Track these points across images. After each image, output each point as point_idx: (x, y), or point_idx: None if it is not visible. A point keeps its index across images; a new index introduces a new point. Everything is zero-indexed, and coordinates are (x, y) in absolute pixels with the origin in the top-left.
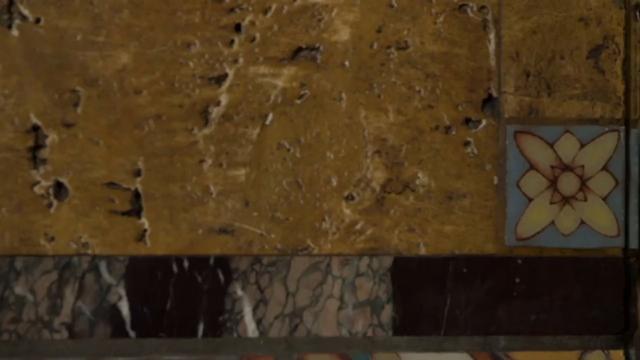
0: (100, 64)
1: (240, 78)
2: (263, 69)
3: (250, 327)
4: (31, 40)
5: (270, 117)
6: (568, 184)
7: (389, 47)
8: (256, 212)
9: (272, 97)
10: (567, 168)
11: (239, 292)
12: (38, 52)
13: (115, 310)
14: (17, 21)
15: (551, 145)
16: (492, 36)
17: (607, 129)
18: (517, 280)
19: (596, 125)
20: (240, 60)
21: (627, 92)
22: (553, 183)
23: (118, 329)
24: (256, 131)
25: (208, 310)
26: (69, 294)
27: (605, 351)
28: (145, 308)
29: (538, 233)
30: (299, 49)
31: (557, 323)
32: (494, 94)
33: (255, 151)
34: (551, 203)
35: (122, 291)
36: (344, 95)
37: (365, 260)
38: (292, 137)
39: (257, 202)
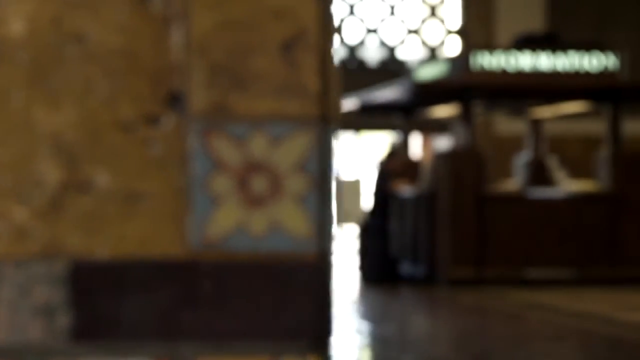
0: None
1: None
2: None
3: None
4: None
5: None
6: (259, 184)
7: (67, 40)
8: None
9: None
10: (258, 167)
11: None
12: None
13: None
14: None
15: (241, 143)
16: (178, 30)
17: (301, 126)
18: (204, 284)
19: (290, 123)
20: None
21: (324, 88)
22: (243, 183)
23: None
24: None
25: None
26: None
27: (299, 356)
28: None
29: (227, 236)
30: None
31: (248, 328)
32: (181, 90)
33: None
34: (241, 205)
35: None
36: (17, 91)
37: (39, 264)
38: None
39: None
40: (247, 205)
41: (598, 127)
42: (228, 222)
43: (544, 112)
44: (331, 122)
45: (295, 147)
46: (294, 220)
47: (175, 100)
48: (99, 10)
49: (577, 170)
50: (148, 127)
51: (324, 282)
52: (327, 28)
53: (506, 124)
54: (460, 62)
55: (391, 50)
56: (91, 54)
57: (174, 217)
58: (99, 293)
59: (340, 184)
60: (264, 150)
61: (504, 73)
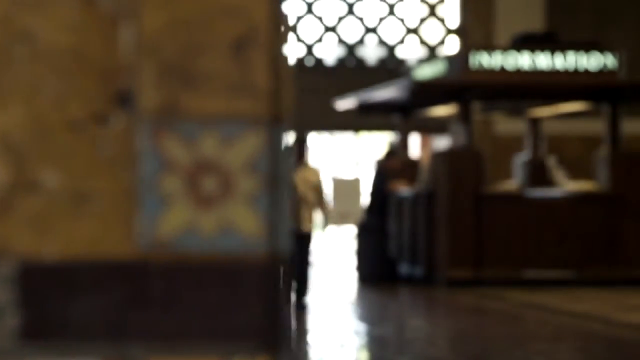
0: None
1: None
2: None
3: None
4: None
5: None
6: (210, 184)
7: (15, 40)
8: None
9: None
10: (209, 167)
11: None
12: None
13: None
14: None
15: (192, 143)
16: (128, 29)
17: (252, 125)
18: (154, 285)
19: (241, 122)
20: None
21: (275, 87)
22: (193, 183)
23: None
24: None
25: None
26: None
27: (250, 356)
28: None
29: (177, 236)
30: None
31: (198, 328)
32: (130, 90)
33: None
34: (191, 205)
35: None
36: None
37: None
38: None
39: None
40: (197, 205)
41: (597, 126)
42: (178, 222)
43: (543, 111)
44: (283, 121)
45: (246, 146)
46: (244, 221)
47: (124, 100)
48: (48, 10)
49: (577, 170)
50: (97, 126)
51: (275, 283)
52: (279, 27)
53: (507, 124)
54: (458, 61)
55: (390, 49)
56: (40, 53)
57: (123, 217)
58: (47, 293)
59: (338, 183)
60: (215, 150)
61: (502, 72)
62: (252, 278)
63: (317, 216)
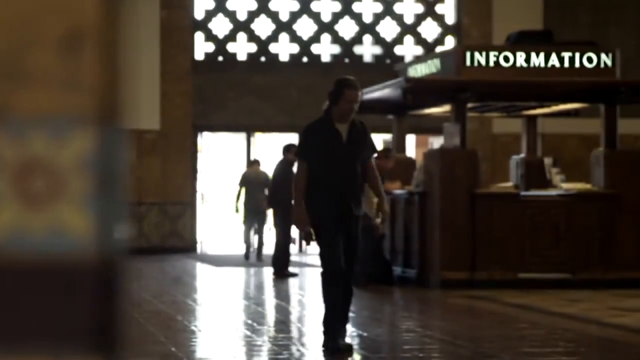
0: None
1: None
2: None
3: None
4: None
5: None
6: (38, 184)
7: None
8: None
9: None
10: (37, 166)
11: None
12: None
13: None
14: None
15: (19, 141)
16: None
17: (82, 124)
18: None
19: (71, 120)
20: None
21: (109, 84)
22: (21, 183)
23: None
24: None
25: None
26: None
27: (81, 357)
28: None
29: (5, 238)
30: None
31: (28, 329)
32: None
33: None
34: (19, 205)
35: None
36: None
37: None
38: None
39: None
40: (25, 205)
41: (597, 125)
42: (5, 224)
43: (540, 110)
44: (117, 119)
45: (77, 145)
46: (75, 221)
47: None
48: None
49: (576, 169)
50: None
51: (107, 284)
52: (114, 23)
53: (507, 123)
54: (454, 60)
55: (387, 47)
56: None
57: None
58: None
59: None
60: (44, 149)
61: (498, 71)
62: (83, 279)
63: None
